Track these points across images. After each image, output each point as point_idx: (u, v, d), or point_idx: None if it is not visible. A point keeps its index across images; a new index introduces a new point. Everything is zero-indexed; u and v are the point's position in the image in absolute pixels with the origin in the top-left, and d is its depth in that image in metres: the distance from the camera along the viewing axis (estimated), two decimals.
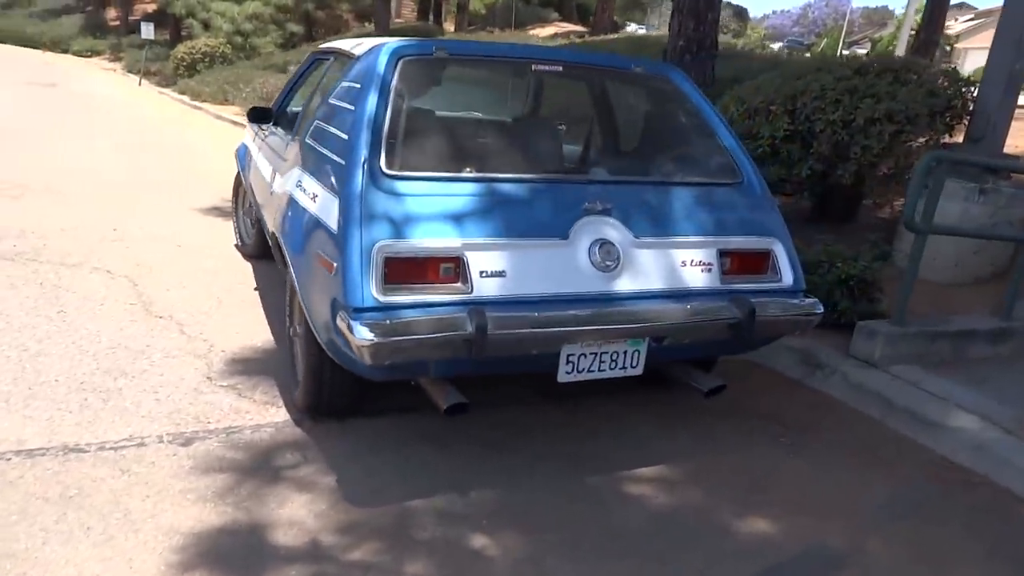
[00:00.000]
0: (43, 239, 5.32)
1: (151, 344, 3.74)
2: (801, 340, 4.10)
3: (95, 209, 6.27)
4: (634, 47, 9.76)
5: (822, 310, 3.01)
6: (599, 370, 2.75)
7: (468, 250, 2.54)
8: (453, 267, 2.54)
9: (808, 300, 3.01)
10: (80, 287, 4.43)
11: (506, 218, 2.62)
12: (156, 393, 3.25)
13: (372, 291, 2.42)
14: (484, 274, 2.54)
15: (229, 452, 2.84)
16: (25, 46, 29.61)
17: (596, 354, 2.72)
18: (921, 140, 4.87)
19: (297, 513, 2.51)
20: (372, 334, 2.34)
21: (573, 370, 2.71)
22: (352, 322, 2.37)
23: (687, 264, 2.84)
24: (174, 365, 3.53)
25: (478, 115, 3.16)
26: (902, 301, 3.85)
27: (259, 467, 2.76)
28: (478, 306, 2.48)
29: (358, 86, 2.81)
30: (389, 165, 2.61)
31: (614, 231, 2.74)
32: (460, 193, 2.62)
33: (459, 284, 2.53)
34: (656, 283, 2.78)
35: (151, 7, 30.42)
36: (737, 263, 2.96)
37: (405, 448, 2.95)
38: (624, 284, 2.73)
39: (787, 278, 3.01)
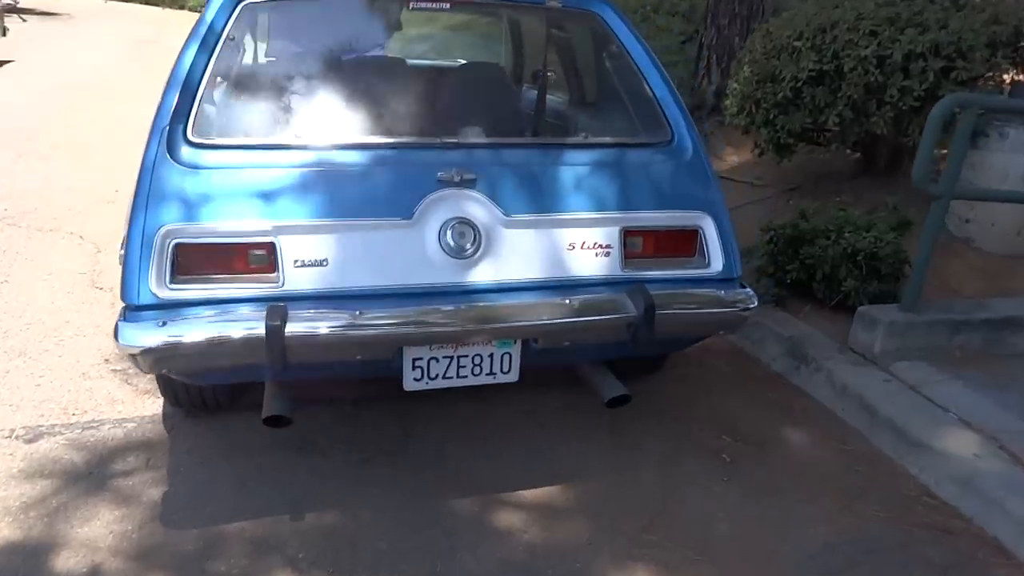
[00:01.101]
0: (40, 201, 5.28)
1: (71, 320, 3.55)
2: (797, 325, 3.45)
3: (113, 169, 6.20)
4: None
5: (755, 304, 2.41)
6: (458, 376, 2.29)
7: (282, 234, 2.12)
8: (266, 255, 2.13)
9: (740, 292, 2.41)
10: (41, 254, 4.31)
11: (335, 195, 2.17)
12: (42, 377, 3.05)
13: (152, 286, 2.04)
14: (299, 264, 2.12)
15: (69, 453, 2.58)
16: (147, 4, 30.87)
17: (452, 358, 2.26)
18: (988, 78, 3.95)
19: (97, 533, 2.22)
20: (136, 339, 1.97)
21: (423, 376, 2.27)
22: (119, 323, 2.02)
23: (576, 247, 2.30)
24: (79, 345, 3.32)
25: (353, 61, 2.67)
26: (915, 282, 3.11)
27: (90, 472, 2.49)
28: (282, 302, 2.06)
29: (186, 39, 2.40)
30: (200, 132, 2.20)
31: (477, 208, 2.24)
32: (280, 164, 2.18)
33: (272, 275, 2.12)
34: (530, 272, 2.27)
35: None
36: (651, 245, 2.40)
37: (270, 455, 2.60)
38: (485, 274, 2.23)
39: (716, 263, 2.41)
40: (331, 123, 2.36)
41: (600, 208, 2.33)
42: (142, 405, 2.89)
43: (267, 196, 2.13)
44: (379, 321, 2.09)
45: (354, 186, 2.19)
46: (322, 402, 2.89)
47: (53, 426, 2.73)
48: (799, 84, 4.11)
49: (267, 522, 2.29)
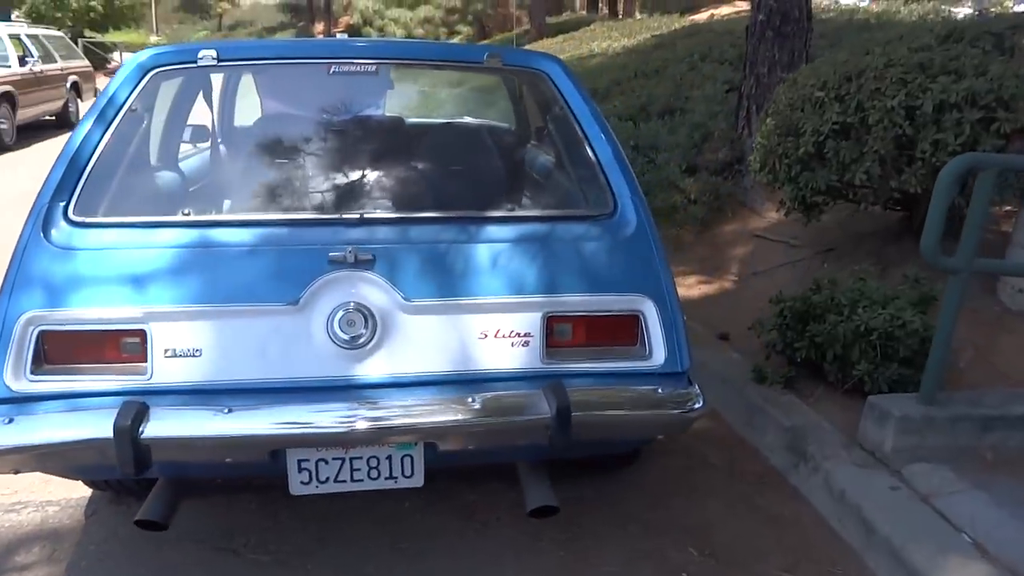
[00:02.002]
0: None
1: None
2: (803, 412, 3.03)
3: None
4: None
5: (701, 405, 2.05)
6: (352, 480, 2.04)
7: (153, 321, 1.94)
8: (138, 344, 1.95)
9: (682, 390, 2.06)
10: None
11: (215, 277, 1.98)
12: None
13: (7, 378, 1.89)
14: (170, 354, 1.93)
15: None
16: None
17: (343, 460, 2.01)
18: None
19: None
20: None
21: (311, 480, 2.02)
22: None
23: (489, 336, 2.03)
24: None
25: (265, 133, 2.49)
26: (933, 369, 2.67)
27: None
28: (147, 397, 1.87)
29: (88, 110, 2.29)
30: (85, 210, 2.06)
31: (373, 291, 2.00)
32: (159, 244, 2.01)
33: (141, 366, 1.94)
34: (432, 365, 2.00)
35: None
36: (581, 333, 2.09)
37: (182, 549, 2.40)
38: (378, 367, 1.98)
39: (658, 355, 2.08)
40: (222, 198, 2.19)
41: (520, 291, 2.05)
42: (73, 486, 2.73)
43: (142, 279, 1.96)
44: (248, 421, 1.87)
45: (238, 268, 1.99)
46: (255, 488, 2.68)
47: None
48: (822, 138, 3.71)
49: None
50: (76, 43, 16.32)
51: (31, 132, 10.51)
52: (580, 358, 2.07)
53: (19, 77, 10.44)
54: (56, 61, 11.87)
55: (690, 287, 4.66)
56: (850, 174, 3.70)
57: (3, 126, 9.89)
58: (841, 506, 2.52)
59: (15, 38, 10.96)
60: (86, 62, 13.49)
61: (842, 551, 2.41)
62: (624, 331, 2.10)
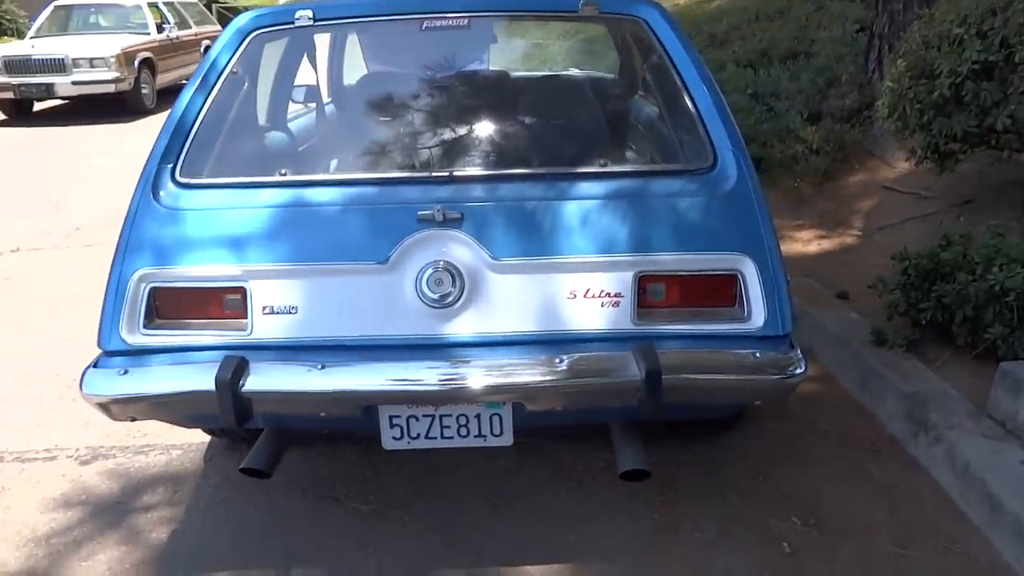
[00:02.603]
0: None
1: None
2: (926, 378, 2.82)
3: None
4: None
5: (803, 371, 1.93)
6: (443, 437, 2.06)
7: (252, 279, 2.00)
8: (239, 301, 2.03)
9: (782, 355, 1.94)
10: None
11: (309, 236, 2.02)
12: None
13: (122, 331, 2.01)
14: (268, 311, 1.99)
15: (111, 479, 2.67)
16: None
17: (433, 417, 2.03)
18: None
19: (96, 571, 2.24)
20: (96, 388, 1.95)
21: (403, 436, 2.06)
22: (87, 369, 2.00)
23: (578, 296, 1.98)
24: None
25: (384, 82, 2.47)
26: None
27: (119, 502, 2.54)
28: (247, 352, 1.95)
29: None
30: (191, 172, 2.14)
31: (462, 250, 1.98)
32: (257, 204, 2.06)
33: (242, 322, 2.02)
34: (520, 324, 1.98)
35: None
36: (675, 293, 2.01)
37: (288, 497, 2.52)
38: (466, 326, 1.98)
39: (757, 318, 1.97)
40: (319, 157, 2.22)
41: (610, 249, 1.98)
42: (194, 432, 2.91)
43: (243, 237, 2.02)
44: (340, 377, 1.91)
45: (330, 227, 2.02)
46: (356, 440, 2.77)
47: (111, 448, 2.84)
48: (959, 80, 3.38)
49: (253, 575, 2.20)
50: (210, 9, 17.09)
51: (169, 96, 11.10)
52: (673, 319, 1.99)
53: (157, 43, 11.06)
54: (191, 27, 12.47)
55: (807, 243, 4.41)
56: (991, 119, 3.37)
57: (144, 91, 10.53)
58: (965, 480, 2.34)
59: (153, 6, 11.57)
60: (219, 27, 14.09)
61: (963, 528, 2.24)
62: (721, 292, 2.00)
